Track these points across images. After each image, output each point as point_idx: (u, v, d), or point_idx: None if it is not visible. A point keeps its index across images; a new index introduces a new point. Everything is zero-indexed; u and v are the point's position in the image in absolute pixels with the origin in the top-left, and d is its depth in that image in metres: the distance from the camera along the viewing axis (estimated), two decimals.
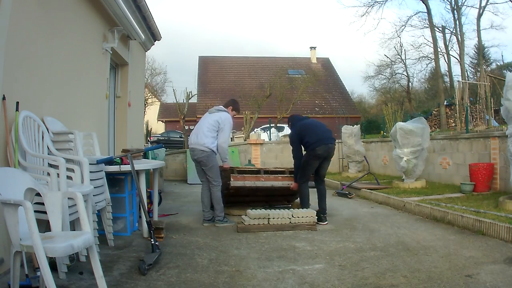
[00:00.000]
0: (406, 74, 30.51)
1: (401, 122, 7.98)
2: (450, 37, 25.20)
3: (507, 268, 3.11)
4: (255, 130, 17.07)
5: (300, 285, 2.87)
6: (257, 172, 5.46)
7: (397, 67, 30.56)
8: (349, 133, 10.78)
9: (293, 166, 5.33)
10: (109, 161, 4.05)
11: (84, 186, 3.25)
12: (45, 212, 2.66)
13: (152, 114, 29.57)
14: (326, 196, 5.25)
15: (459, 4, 22.68)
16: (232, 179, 5.08)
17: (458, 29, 22.88)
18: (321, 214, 5.00)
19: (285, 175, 5.46)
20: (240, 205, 5.60)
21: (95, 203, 3.52)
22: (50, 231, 2.62)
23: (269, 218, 4.67)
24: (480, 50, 24.35)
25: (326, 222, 4.96)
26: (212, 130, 4.89)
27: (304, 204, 5.08)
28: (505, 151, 6.00)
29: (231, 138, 16.73)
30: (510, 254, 3.47)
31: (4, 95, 3.00)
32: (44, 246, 2.14)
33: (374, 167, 10.81)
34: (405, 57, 29.52)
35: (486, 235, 4.14)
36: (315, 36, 68.63)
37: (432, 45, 23.18)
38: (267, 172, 5.50)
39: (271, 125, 14.98)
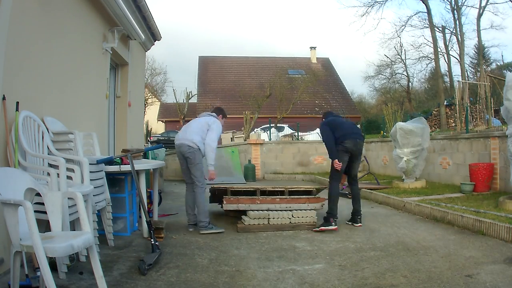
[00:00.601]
0: (406, 74, 30.55)
1: (401, 122, 7.98)
2: (450, 37, 25.23)
3: (507, 268, 3.11)
4: (255, 130, 17.08)
5: (300, 285, 2.87)
6: (253, 193, 4.95)
7: (397, 67, 30.61)
8: None
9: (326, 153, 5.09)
10: (109, 161, 4.05)
11: (84, 186, 3.25)
12: (45, 212, 2.66)
13: (152, 114, 29.59)
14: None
15: (459, 4, 22.68)
16: (224, 202, 4.72)
17: (458, 29, 22.87)
18: (356, 216, 4.92)
19: (284, 197, 4.92)
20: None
21: (95, 203, 3.52)
22: (50, 231, 2.62)
23: (269, 218, 4.67)
24: (480, 50, 24.34)
25: (360, 224, 4.86)
26: (201, 131, 4.71)
27: (333, 206, 4.69)
28: (505, 151, 6.01)
29: (231, 138, 16.74)
30: (510, 254, 3.47)
31: (4, 95, 3.00)
32: (44, 246, 2.14)
33: (374, 167, 10.81)
34: (405, 57, 29.56)
35: (486, 235, 4.14)
36: (315, 36, 68.67)
37: (432, 45, 23.17)
38: (264, 192, 4.97)
39: (271, 125, 14.99)
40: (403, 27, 29.82)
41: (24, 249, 2.25)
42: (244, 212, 4.83)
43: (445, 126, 16.78)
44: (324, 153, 12.60)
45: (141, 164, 4.28)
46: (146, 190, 4.77)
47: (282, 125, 19.50)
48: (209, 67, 28.20)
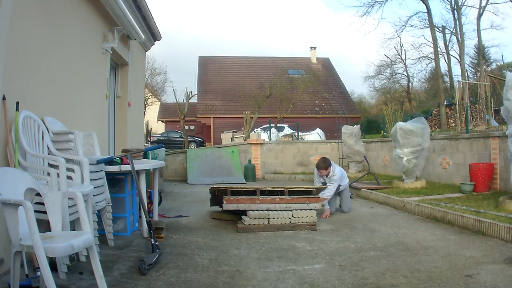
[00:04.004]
0: (406, 74, 30.59)
1: (401, 122, 7.98)
2: (450, 37, 25.26)
3: (507, 268, 3.11)
4: (255, 130, 17.07)
5: (300, 285, 2.87)
6: (253, 193, 4.91)
7: (397, 67, 30.66)
8: (349, 133, 10.78)
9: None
10: (109, 161, 4.04)
11: (84, 186, 3.25)
12: (45, 212, 2.66)
13: (152, 114, 29.57)
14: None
15: (459, 4, 22.68)
16: (224, 202, 4.71)
17: (458, 29, 22.88)
18: None
19: (284, 197, 4.88)
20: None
21: (95, 203, 3.52)
22: (50, 231, 2.62)
23: (269, 218, 4.67)
24: (480, 50, 24.34)
25: None
26: None
27: None
28: (505, 151, 6.01)
29: (231, 138, 16.73)
30: (510, 254, 3.47)
31: (4, 95, 3.00)
32: (44, 246, 2.14)
33: (374, 167, 10.81)
34: (405, 57, 29.61)
35: (486, 235, 4.14)
36: (315, 36, 68.68)
37: (432, 45, 23.18)
38: (264, 192, 4.93)
39: (271, 125, 14.98)
40: (403, 27, 30.09)
41: (24, 249, 2.25)
42: (244, 213, 4.82)
43: (445, 126, 16.81)
44: (324, 153, 12.61)
45: (141, 164, 4.28)
46: (146, 190, 4.77)
47: (282, 125, 19.49)
48: (209, 67, 28.18)
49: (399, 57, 29.60)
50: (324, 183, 5.67)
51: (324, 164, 5.62)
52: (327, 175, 5.62)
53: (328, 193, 5.47)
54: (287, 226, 4.66)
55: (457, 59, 24.38)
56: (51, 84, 3.94)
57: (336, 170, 5.67)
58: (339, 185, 5.72)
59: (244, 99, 20.13)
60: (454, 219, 4.69)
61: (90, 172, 3.45)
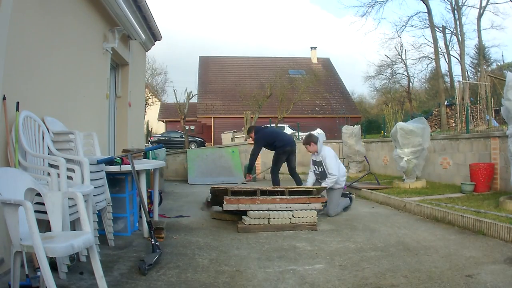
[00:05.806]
0: (406, 74, 30.59)
1: (402, 122, 7.97)
2: (451, 37, 25.28)
3: (508, 268, 3.10)
4: None
5: (301, 285, 2.87)
6: (253, 193, 4.92)
7: (397, 67, 30.67)
8: (350, 133, 10.78)
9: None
10: (110, 161, 4.04)
11: (84, 186, 3.25)
12: (45, 212, 2.66)
13: (152, 114, 29.62)
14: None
15: (460, 4, 22.69)
16: (225, 202, 4.71)
17: (458, 29, 22.88)
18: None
19: (284, 197, 4.89)
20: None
21: (96, 203, 3.52)
22: (50, 231, 2.62)
23: (269, 218, 4.67)
24: (481, 50, 24.35)
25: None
26: None
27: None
28: (506, 151, 6.00)
29: (231, 138, 16.74)
30: (511, 254, 3.47)
31: (4, 95, 3.00)
32: (45, 246, 2.14)
33: (374, 167, 10.80)
34: (406, 57, 29.62)
35: (487, 235, 4.13)
36: (315, 36, 68.71)
37: (432, 45, 23.18)
38: (264, 192, 4.95)
39: (272, 125, 14.98)
40: (403, 27, 30.14)
41: (25, 249, 2.25)
42: (244, 213, 4.82)
43: (446, 126, 16.81)
44: None
45: (141, 164, 4.28)
46: (147, 190, 4.77)
47: (283, 125, 19.50)
48: (209, 67, 28.21)
49: (400, 57, 29.65)
50: (320, 173, 5.78)
51: (306, 139, 5.89)
52: (316, 153, 5.82)
53: (329, 181, 5.59)
54: (288, 226, 4.66)
55: (458, 59, 24.40)
56: (52, 84, 3.95)
57: (326, 150, 5.77)
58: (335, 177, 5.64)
59: (245, 99, 20.16)
60: (455, 219, 4.68)
61: (90, 172, 3.45)
